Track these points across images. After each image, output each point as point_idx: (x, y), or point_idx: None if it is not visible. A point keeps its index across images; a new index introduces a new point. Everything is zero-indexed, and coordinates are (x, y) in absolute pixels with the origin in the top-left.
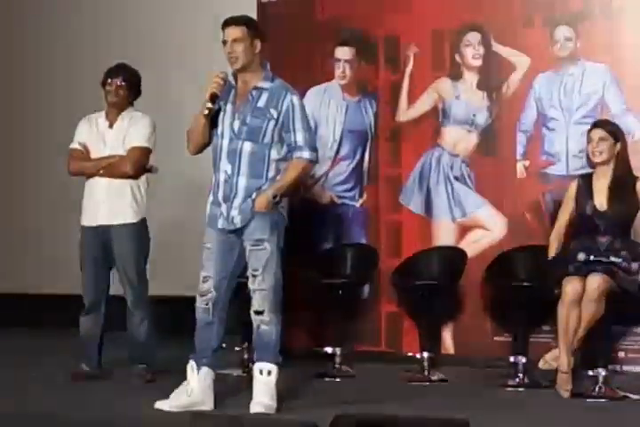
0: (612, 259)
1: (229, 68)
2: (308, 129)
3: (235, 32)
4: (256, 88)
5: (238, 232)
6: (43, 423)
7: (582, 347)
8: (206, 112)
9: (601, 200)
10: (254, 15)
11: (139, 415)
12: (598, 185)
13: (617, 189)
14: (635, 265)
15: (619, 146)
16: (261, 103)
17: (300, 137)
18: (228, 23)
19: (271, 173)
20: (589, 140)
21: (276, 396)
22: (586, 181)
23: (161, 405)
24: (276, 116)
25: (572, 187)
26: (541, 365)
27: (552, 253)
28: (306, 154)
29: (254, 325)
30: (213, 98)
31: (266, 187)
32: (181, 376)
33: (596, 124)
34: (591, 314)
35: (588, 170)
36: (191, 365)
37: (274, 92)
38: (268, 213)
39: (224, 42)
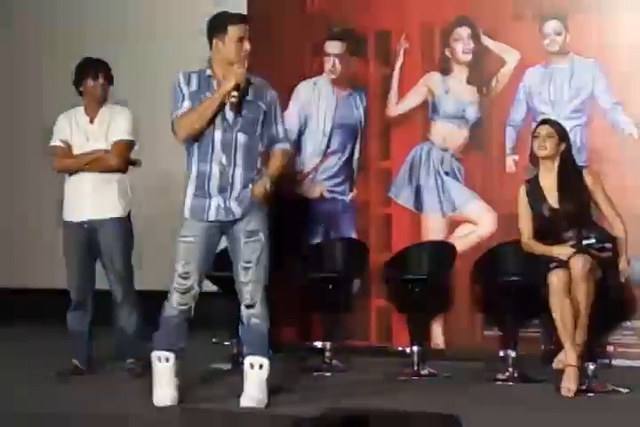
0: (585, 242)
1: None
2: (284, 122)
3: (247, 30)
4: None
5: (228, 224)
6: (34, 419)
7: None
8: (234, 100)
9: (554, 198)
10: (244, 8)
11: (128, 410)
12: (546, 184)
13: (566, 184)
14: (608, 244)
15: (563, 146)
16: (250, 96)
17: (281, 129)
18: (242, 20)
19: (259, 165)
20: (536, 135)
21: (267, 390)
22: (532, 185)
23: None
24: (264, 108)
25: (522, 194)
26: (555, 365)
27: (548, 249)
28: (287, 146)
29: (244, 319)
30: (237, 87)
31: (257, 177)
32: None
33: (544, 122)
34: (584, 297)
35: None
36: (166, 356)
37: (258, 85)
38: (262, 205)
39: (241, 38)
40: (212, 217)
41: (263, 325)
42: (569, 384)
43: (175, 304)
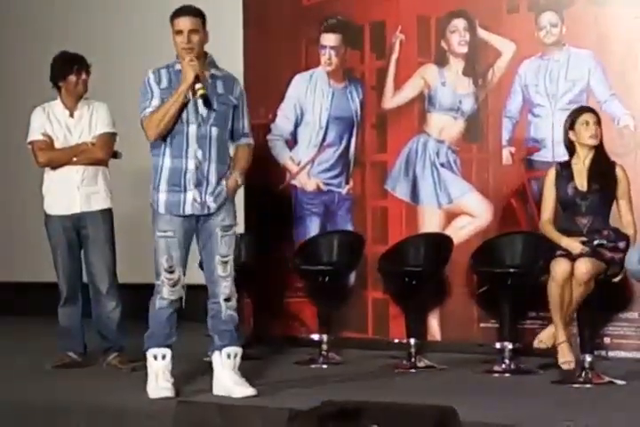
0: (597, 241)
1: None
2: (249, 116)
3: (192, 23)
4: (212, 76)
5: (203, 218)
6: (33, 411)
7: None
8: (202, 92)
9: (581, 181)
10: (239, 1)
11: (126, 403)
12: (577, 168)
13: (597, 171)
14: (621, 244)
15: (600, 132)
16: (220, 90)
17: (246, 123)
18: (184, 13)
19: (228, 159)
20: (584, 124)
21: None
22: (564, 167)
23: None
24: (234, 102)
25: (551, 174)
26: (536, 344)
27: (558, 237)
28: (251, 140)
29: (222, 312)
30: (198, 79)
31: (229, 172)
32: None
33: (586, 109)
34: (581, 295)
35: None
36: (163, 353)
37: (226, 79)
38: (233, 199)
39: (179, 31)
40: (187, 211)
41: (236, 316)
42: (566, 358)
43: (166, 296)
